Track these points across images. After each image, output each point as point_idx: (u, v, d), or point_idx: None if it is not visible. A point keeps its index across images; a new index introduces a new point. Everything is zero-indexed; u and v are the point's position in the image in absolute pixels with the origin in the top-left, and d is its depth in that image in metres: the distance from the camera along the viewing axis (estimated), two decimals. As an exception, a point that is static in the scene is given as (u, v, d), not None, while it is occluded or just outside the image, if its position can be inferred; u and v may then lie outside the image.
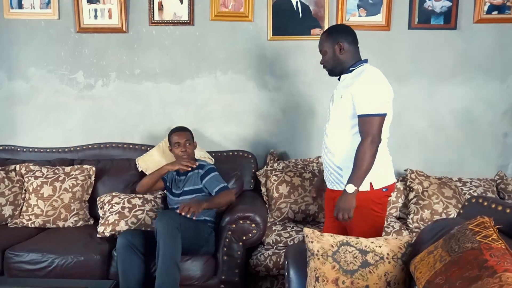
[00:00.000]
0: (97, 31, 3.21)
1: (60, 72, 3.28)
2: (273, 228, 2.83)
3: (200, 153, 3.01)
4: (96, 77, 3.28)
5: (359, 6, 3.15)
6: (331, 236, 1.74)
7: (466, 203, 1.86)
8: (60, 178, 2.91)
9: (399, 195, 3.04)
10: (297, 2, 3.14)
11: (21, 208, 2.90)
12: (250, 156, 3.17)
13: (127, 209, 2.69)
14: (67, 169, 2.98)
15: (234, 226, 2.50)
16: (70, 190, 2.88)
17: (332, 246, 1.68)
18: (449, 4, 3.14)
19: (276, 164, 3.07)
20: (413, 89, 3.24)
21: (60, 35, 3.23)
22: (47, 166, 3.03)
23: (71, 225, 2.85)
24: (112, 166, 3.13)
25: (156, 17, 3.18)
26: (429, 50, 3.20)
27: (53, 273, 2.45)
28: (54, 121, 3.32)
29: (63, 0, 3.19)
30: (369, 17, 3.16)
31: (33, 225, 2.82)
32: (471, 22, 3.17)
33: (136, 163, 3.07)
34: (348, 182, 1.97)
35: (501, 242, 1.31)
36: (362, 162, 1.95)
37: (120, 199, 2.76)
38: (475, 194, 2.99)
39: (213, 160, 3.06)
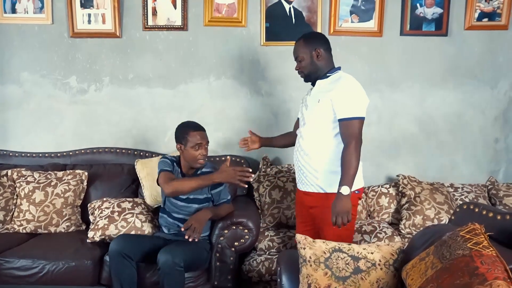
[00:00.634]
0: (91, 36, 3.20)
1: (53, 77, 3.26)
2: (265, 234, 2.84)
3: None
4: (89, 82, 3.27)
5: (351, 12, 3.17)
6: (324, 242, 1.74)
7: (458, 210, 1.87)
8: (52, 183, 2.89)
9: (391, 200, 3.06)
10: (290, 8, 3.16)
11: (13, 213, 2.87)
12: (242, 161, 3.18)
13: (117, 213, 2.69)
14: (59, 174, 2.97)
15: (226, 232, 2.50)
16: (62, 195, 2.86)
17: (324, 253, 1.69)
18: (440, 11, 3.17)
19: (269, 169, 3.08)
20: (405, 94, 3.27)
21: (53, 40, 3.22)
22: (39, 171, 3.01)
23: (63, 230, 2.84)
24: (105, 171, 3.11)
25: (150, 22, 3.18)
26: (420, 56, 3.23)
27: (44, 279, 2.43)
28: (46, 126, 3.30)
29: (57, 5, 3.18)
30: (362, 23, 3.18)
31: (24, 231, 2.80)
32: (462, 29, 3.21)
33: (135, 165, 3.04)
34: (341, 185, 2.02)
35: (491, 249, 1.32)
36: (350, 165, 2.03)
37: (110, 204, 2.76)
38: (467, 199, 3.01)
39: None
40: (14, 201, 2.91)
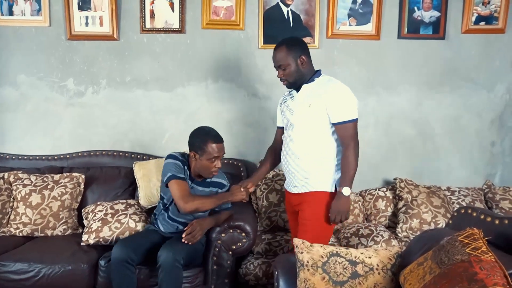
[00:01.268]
0: (88, 39, 3.19)
1: (50, 79, 3.25)
2: (262, 237, 2.84)
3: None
4: (87, 85, 3.26)
5: (349, 16, 3.18)
6: (321, 246, 1.74)
7: (455, 214, 1.87)
8: (49, 186, 2.88)
9: (388, 204, 3.06)
10: (288, 11, 3.16)
11: (9, 216, 2.86)
12: (240, 164, 3.17)
13: (110, 215, 2.69)
14: (56, 177, 2.96)
15: (223, 235, 2.49)
16: (59, 198, 2.85)
17: (322, 257, 1.68)
18: (438, 14, 3.18)
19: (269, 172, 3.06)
20: (402, 98, 3.27)
21: (50, 42, 3.21)
22: (36, 174, 3.00)
23: (59, 233, 2.82)
24: (102, 174, 3.10)
25: (148, 25, 3.17)
26: (418, 59, 3.24)
27: (40, 283, 2.41)
28: (43, 129, 3.29)
29: (54, 7, 3.17)
30: (359, 26, 3.19)
31: (21, 234, 2.78)
32: (459, 32, 3.22)
33: (133, 166, 3.03)
34: (342, 186, 2.12)
35: (490, 254, 1.32)
36: (351, 166, 2.13)
37: (103, 207, 2.76)
38: (464, 203, 3.02)
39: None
40: (11, 204, 2.89)
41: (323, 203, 2.17)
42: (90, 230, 2.64)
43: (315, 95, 2.17)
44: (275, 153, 2.45)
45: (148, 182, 2.92)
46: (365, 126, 3.26)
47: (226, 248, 2.49)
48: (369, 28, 3.19)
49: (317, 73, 2.25)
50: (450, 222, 1.90)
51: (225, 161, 3.15)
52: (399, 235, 2.88)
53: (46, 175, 2.98)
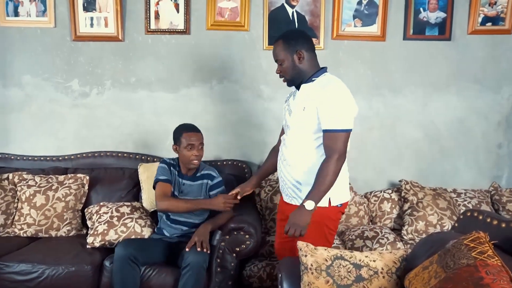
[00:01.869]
0: (93, 40, 3.20)
1: (55, 80, 3.26)
2: (266, 239, 2.82)
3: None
4: (91, 85, 3.26)
5: (354, 17, 3.16)
6: (325, 249, 1.73)
7: (461, 217, 1.85)
8: (53, 187, 2.88)
9: (393, 206, 3.04)
10: (293, 12, 3.15)
11: (13, 217, 2.87)
12: (244, 165, 3.16)
13: (116, 218, 2.68)
14: (60, 178, 2.96)
15: (227, 237, 2.48)
16: (63, 199, 2.85)
17: (326, 260, 1.67)
18: (443, 15, 3.15)
19: (270, 174, 3.05)
20: (408, 99, 3.25)
21: (55, 43, 3.22)
22: (40, 174, 3.01)
23: (63, 234, 2.83)
24: (106, 175, 3.10)
25: (152, 26, 3.17)
26: (423, 60, 3.21)
27: (44, 284, 2.41)
28: (48, 129, 3.29)
29: (59, 8, 3.18)
30: (365, 27, 3.17)
31: (25, 235, 2.79)
32: (465, 33, 3.19)
33: (138, 168, 3.03)
34: (307, 198, 1.87)
35: (496, 258, 1.30)
36: (325, 179, 1.87)
37: (108, 209, 2.75)
38: (470, 205, 2.99)
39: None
40: (15, 205, 2.90)
41: (316, 220, 1.92)
42: (96, 232, 2.64)
43: (311, 97, 1.96)
44: (276, 155, 2.25)
45: (151, 185, 2.91)
46: (370, 128, 3.25)
47: (230, 250, 2.48)
48: (375, 29, 3.17)
49: (319, 71, 2.03)
50: (456, 225, 1.88)
51: (229, 162, 3.16)
52: (405, 237, 2.86)
53: (51, 176, 2.99)
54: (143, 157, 3.20)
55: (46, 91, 3.27)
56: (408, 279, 1.53)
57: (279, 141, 2.30)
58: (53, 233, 2.81)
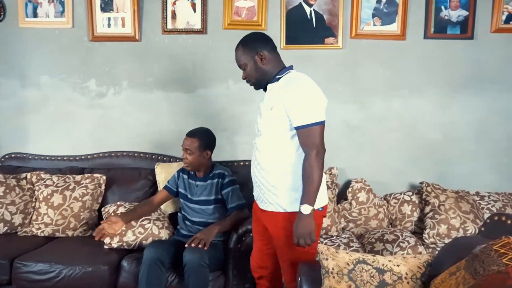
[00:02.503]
0: (110, 40, 3.20)
1: (73, 80, 3.27)
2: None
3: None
4: (108, 86, 3.26)
5: (373, 15, 3.10)
6: (347, 253, 1.68)
7: (488, 221, 1.79)
8: (70, 187, 2.88)
9: (414, 208, 2.97)
10: (311, 11, 3.11)
11: (31, 217, 2.88)
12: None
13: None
14: (78, 177, 2.96)
15: (244, 239, 2.45)
16: (80, 199, 2.85)
17: (348, 264, 1.63)
18: (465, 13, 3.08)
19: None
20: (427, 100, 3.18)
21: (73, 44, 3.23)
22: (57, 174, 3.01)
23: (80, 234, 2.83)
24: (122, 175, 3.09)
25: (169, 26, 3.16)
26: (444, 60, 3.14)
27: (61, 284, 2.41)
28: (65, 129, 3.30)
29: (77, 9, 3.19)
30: (384, 26, 3.11)
31: (42, 234, 2.80)
32: (488, 32, 3.11)
33: (155, 168, 3.02)
34: (302, 203, 1.81)
35: (529, 265, 1.24)
36: (313, 178, 1.81)
37: (126, 209, 2.73)
38: (494, 209, 2.91)
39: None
40: (33, 204, 2.91)
41: None
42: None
43: (277, 95, 1.90)
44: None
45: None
46: (389, 130, 3.19)
47: (246, 252, 2.44)
48: (394, 28, 3.11)
49: (283, 70, 1.99)
50: (482, 229, 1.82)
51: (246, 163, 3.11)
52: (426, 241, 2.79)
53: (68, 175, 2.99)
54: (159, 157, 3.19)
55: (63, 91, 3.28)
56: (434, 285, 1.48)
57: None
58: (69, 233, 2.81)
